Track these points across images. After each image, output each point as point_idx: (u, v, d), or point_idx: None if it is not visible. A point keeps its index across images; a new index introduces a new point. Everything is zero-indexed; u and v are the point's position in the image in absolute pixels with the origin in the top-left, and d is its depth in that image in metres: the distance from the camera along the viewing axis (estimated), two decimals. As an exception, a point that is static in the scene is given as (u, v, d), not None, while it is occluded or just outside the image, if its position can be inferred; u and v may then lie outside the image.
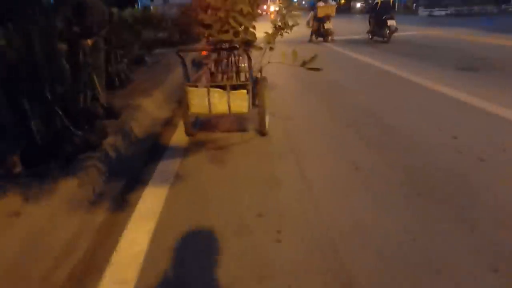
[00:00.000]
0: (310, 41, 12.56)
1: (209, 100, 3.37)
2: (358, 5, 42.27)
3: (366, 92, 5.46)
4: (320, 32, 12.23)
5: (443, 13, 27.82)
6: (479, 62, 7.33)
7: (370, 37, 12.24)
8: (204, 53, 4.32)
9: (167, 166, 3.15)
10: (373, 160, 3.04)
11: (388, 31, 11.10)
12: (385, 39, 11.26)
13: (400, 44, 10.96)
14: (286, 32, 3.73)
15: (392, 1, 11.56)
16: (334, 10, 11.99)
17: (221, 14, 2.98)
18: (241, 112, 3.42)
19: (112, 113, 4.21)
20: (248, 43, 3.23)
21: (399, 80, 6.13)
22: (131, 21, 11.08)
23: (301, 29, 14.65)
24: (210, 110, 3.42)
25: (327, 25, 11.88)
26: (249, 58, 3.36)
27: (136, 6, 13.00)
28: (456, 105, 4.51)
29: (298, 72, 4.06)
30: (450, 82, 5.65)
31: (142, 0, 10.53)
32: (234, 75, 3.81)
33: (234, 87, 3.37)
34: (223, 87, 3.36)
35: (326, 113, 4.54)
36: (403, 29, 13.32)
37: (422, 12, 29.34)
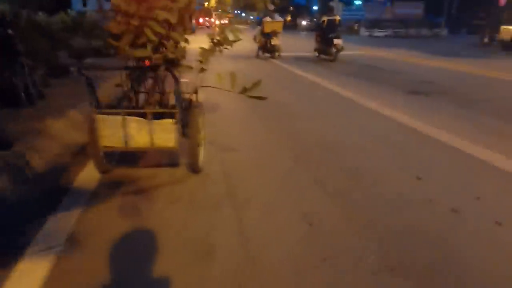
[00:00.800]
0: (257, 56, 12.12)
1: (125, 131, 2.61)
2: (304, 22, 43.34)
3: (318, 117, 4.96)
4: (267, 47, 11.83)
5: (382, 34, 29.14)
6: (428, 85, 7.25)
7: (317, 55, 12.07)
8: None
9: (59, 221, 2.31)
10: (330, 214, 2.44)
11: (335, 50, 10.97)
12: (332, 57, 11.12)
13: (347, 64, 10.86)
14: (225, 48, 3.10)
15: (339, 21, 11.49)
16: (281, 26, 11.67)
17: (135, 22, 2.25)
18: (166, 147, 2.70)
19: (2, 141, 3.27)
20: (173, 62, 2.53)
21: (351, 104, 5.74)
22: (59, 27, 9.92)
23: (248, 43, 14.38)
24: (126, 144, 2.66)
25: (274, 41, 11.50)
26: (177, 80, 2.66)
27: (68, 11, 11.71)
28: (415, 136, 4.13)
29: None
30: (404, 107, 5.35)
31: (77, 5, 9.34)
32: (159, 99, 3.06)
33: (158, 116, 2.65)
34: (143, 115, 2.62)
35: (274, 143, 3.94)
36: (348, 48, 13.38)
37: (364, 32, 30.54)
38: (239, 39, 3.06)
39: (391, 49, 16.18)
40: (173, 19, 2.39)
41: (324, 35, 11.32)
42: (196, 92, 3.34)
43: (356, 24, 32.91)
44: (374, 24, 30.67)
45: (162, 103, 3.06)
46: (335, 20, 11.42)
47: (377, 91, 6.69)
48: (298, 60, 11.48)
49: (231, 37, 2.94)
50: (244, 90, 2.96)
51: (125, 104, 2.94)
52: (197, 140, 2.88)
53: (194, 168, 2.96)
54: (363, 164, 3.30)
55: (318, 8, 45.63)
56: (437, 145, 3.81)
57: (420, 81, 7.78)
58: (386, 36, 28.69)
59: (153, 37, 2.27)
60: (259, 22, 12.10)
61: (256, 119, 4.95)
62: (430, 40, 24.75)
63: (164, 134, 2.62)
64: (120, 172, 3.11)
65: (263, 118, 4.92)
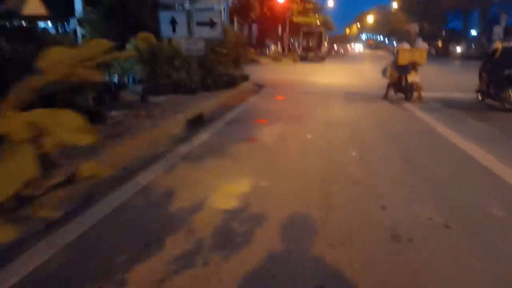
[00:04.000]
0: (385, 97, 8.76)
1: None
2: (459, 49, 36.51)
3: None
4: (400, 86, 8.39)
5: None
6: None
7: (480, 98, 8.08)
8: None
9: None
10: None
11: (514, 95, 6.95)
12: (508, 106, 7.08)
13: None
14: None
15: (522, 48, 7.42)
16: (425, 55, 8.12)
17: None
18: None
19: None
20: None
21: None
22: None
23: (378, 78, 11.16)
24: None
25: (412, 77, 8.00)
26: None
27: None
28: None
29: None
30: None
31: (163, 31, 7.70)
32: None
33: None
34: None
35: None
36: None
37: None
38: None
39: None
40: None
41: (496, 70, 7.38)
42: None
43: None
44: None
45: None
46: (516, 48, 7.39)
47: None
48: (448, 107, 7.73)
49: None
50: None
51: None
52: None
53: None
54: None
55: (479, 33, 38.33)
56: None
57: None
58: None
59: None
60: (393, 50, 8.76)
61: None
62: None
63: None
64: None
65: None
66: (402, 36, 8.48)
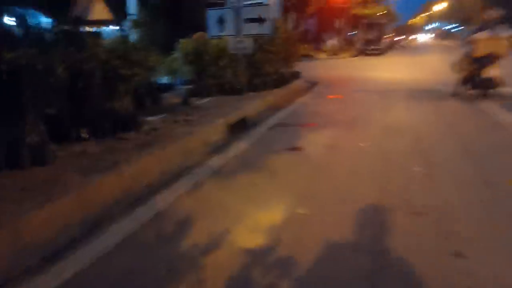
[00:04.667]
0: (454, 94, 7.59)
1: None
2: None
3: None
4: (476, 81, 7.20)
5: None
6: None
7: None
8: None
9: None
10: None
11: None
12: None
13: None
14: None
15: None
16: (506, 46, 6.87)
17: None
18: None
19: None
20: None
21: None
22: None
23: (443, 70, 9.86)
24: None
25: (491, 71, 6.80)
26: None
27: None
28: None
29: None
30: None
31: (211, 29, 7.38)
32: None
33: None
34: None
35: None
36: None
37: None
38: None
39: None
40: None
41: None
42: None
43: None
44: None
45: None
46: None
47: None
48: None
49: None
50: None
51: None
52: None
53: None
54: None
55: None
56: None
57: None
58: None
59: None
60: (465, 40, 7.56)
61: None
62: None
63: None
64: None
65: None
66: (479, 24, 7.26)
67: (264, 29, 7.70)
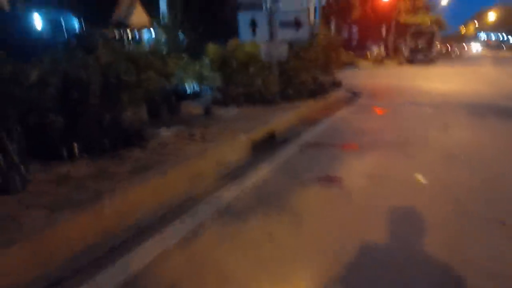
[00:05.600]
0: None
1: None
2: None
3: None
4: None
5: None
6: None
7: None
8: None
9: None
10: None
11: None
12: None
13: None
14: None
15: None
16: None
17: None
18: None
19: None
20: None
21: None
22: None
23: (506, 82, 8.35)
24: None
25: None
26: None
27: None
28: None
29: None
30: None
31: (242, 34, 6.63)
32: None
33: None
34: None
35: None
36: None
37: None
38: None
39: None
40: None
41: None
42: None
43: None
44: None
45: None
46: None
47: None
48: None
49: None
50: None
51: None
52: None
53: None
54: None
55: None
56: None
57: None
58: None
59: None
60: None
61: None
62: None
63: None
64: None
65: None
66: None
67: (300, 34, 6.82)
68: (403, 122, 6.13)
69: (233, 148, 4.40)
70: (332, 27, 21.84)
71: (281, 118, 5.95)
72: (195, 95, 8.21)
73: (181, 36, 12.07)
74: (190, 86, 8.81)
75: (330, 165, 3.91)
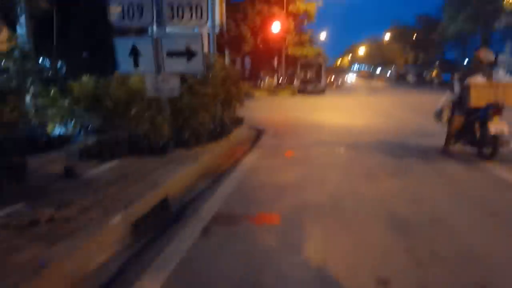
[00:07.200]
0: (445, 151, 5.97)
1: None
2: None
3: None
4: (473, 137, 5.61)
5: None
6: None
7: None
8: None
9: None
10: None
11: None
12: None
13: None
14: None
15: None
16: (512, 93, 5.42)
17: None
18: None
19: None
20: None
21: None
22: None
23: (399, 115, 8.27)
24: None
25: (496, 126, 5.23)
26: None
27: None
28: None
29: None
30: None
31: (122, 65, 4.84)
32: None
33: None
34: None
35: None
36: None
37: None
38: None
39: None
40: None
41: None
42: None
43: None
44: None
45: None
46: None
47: None
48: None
49: None
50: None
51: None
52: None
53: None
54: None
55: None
56: None
57: None
58: None
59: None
60: (453, 85, 6.02)
61: None
62: None
63: None
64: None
65: None
66: (473, 65, 5.80)
67: (194, 65, 5.55)
68: (322, 171, 5.20)
69: (100, 245, 2.81)
70: (227, 58, 21.28)
71: (176, 175, 4.51)
72: (62, 141, 6.27)
73: (47, 63, 9.81)
74: (59, 128, 6.81)
75: (249, 259, 2.60)
